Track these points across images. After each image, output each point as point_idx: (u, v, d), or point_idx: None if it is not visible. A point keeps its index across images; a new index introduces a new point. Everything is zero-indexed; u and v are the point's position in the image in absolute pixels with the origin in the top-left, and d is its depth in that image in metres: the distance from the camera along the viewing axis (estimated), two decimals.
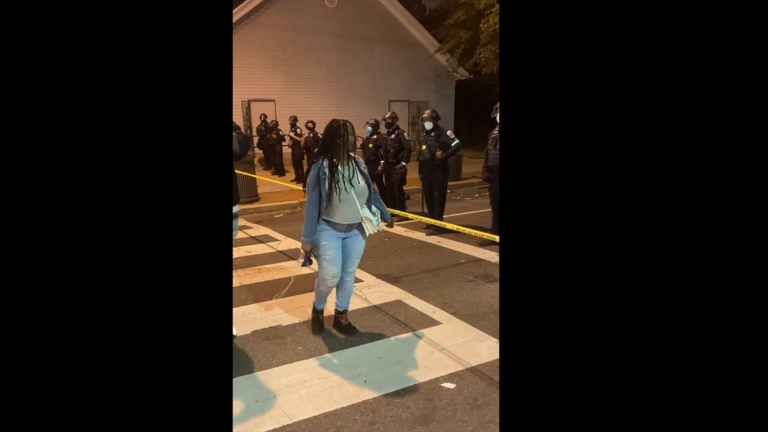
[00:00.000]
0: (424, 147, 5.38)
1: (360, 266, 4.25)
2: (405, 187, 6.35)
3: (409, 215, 4.90)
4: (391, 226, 2.89)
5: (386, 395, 2.24)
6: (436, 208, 5.39)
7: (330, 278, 2.70)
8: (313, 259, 2.69)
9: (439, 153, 5.17)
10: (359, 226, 2.69)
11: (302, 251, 2.67)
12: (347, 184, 2.54)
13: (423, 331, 2.92)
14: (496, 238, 4.50)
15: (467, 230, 3.66)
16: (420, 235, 5.32)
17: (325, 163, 2.55)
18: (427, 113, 5.44)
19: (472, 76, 13.26)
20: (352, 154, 2.63)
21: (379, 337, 2.86)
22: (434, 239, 5.14)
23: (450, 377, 2.38)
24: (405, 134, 6.08)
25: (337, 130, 2.56)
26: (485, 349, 2.67)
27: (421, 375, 2.41)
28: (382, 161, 6.26)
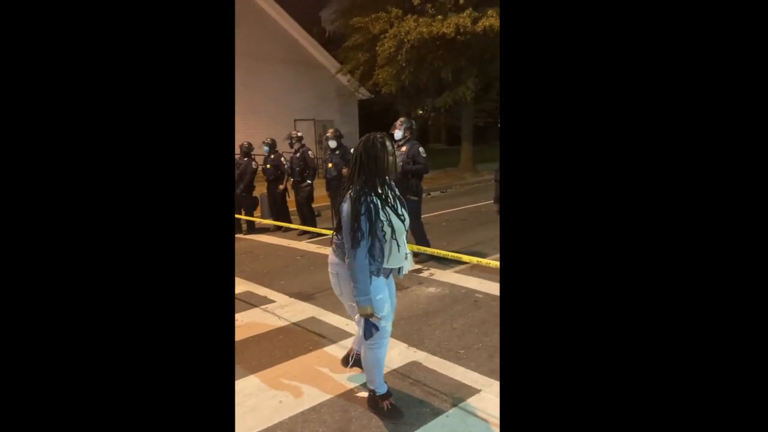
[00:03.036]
0: (330, 165, 5.48)
1: (271, 286, 4.19)
2: (315, 205, 6.38)
3: (322, 231, 4.91)
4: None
5: (302, 413, 2.23)
6: None
7: (388, 338, 2.16)
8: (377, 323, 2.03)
9: (345, 170, 5.31)
10: None
11: (360, 318, 2.01)
12: (397, 219, 1.99)
13: (339, 343, 2.95)
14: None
15: None
16: None
17: (372, 194, 1.94)
18: (330, 132, 5.57)
19: (373, 96, 13.73)
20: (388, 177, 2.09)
21: (293, 355, 2.84)
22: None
23: (365, 386, 2.44)
24: (310, 152, 6.14)
25: (377, 149, 1.95)
26: (397, 354, 2.78)
27: (336, 388, 2.43)
28: (288, 179, 6.27)
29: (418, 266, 4.57)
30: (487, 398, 2.26)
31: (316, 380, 2.53)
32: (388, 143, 1.97)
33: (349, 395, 2.37)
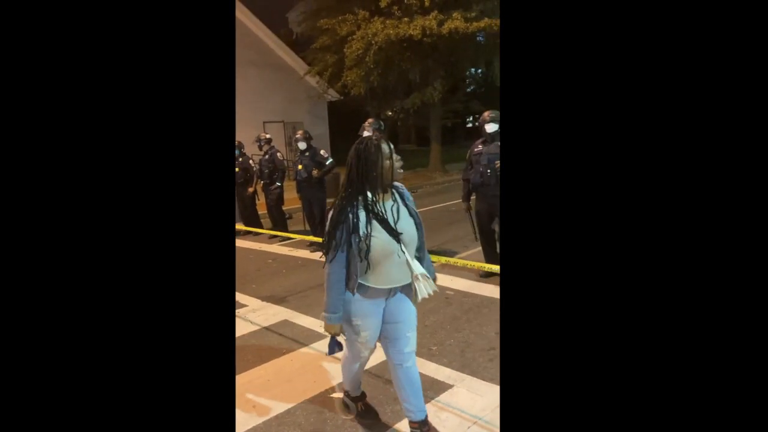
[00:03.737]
0: (300, 167, 5.46)
1: (243, 290, 4.13)
2: (285, 207, 6.33)
3: (292, 235, 4.89)
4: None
5: (276, 416, 2.22)
6: (318, 225, 5.46)
7: (364, 356, 1.94)
8: (342, 340, 1.89)
9: (315, 172, 5.30)
10: (406, 286, 1.82)
11: (327, 333, 1.82)
12: (390, 232, 1.72)
13: (313, 345, 2.95)
14: None
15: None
16: (304, 253, 5.33)
17: (359, 203, 1.73)
18: (299, 134, 5.56)
19: (342, 98, 13.72)
20: (397, 183, 1.85)
21: (266, 359, 2.81)
22: (318, 255, 5.18)
23: (339, 386, 2.44)
24: (279, 154, 6.09)
25: (369, 153, 1.72)
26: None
27: (310, 390, 2.43)
28: (257, 182, 6.20)
29: None
30: (459, 393, 2.31)
31: (290, 383, 2.52)
32: (384, 146, 1.74)
33: (323, 396, 2.37)
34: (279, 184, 6.02)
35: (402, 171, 1.95)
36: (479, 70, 16.32)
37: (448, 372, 2.52)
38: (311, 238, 4.46)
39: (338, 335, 1.81)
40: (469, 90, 19.21)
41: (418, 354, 2.71)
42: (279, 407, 2.29)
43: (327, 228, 1.77)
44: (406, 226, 1.77)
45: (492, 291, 3.69)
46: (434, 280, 1.87)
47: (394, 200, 1.80)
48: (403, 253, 1.74)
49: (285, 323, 3.37)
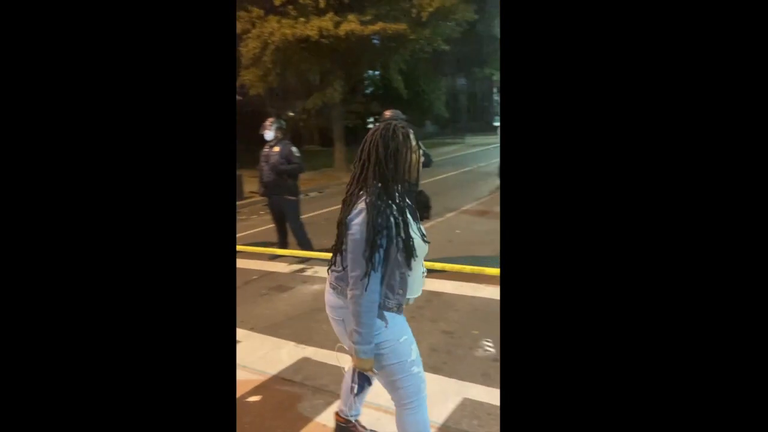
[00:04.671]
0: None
1: None
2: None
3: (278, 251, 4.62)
4: None
5: None
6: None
7: (425, 390, 1.56)
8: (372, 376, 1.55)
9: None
10: None
11: (353, 371, 1.53)
12: (421, 238, 1.48)
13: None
14: (280, 251, 4.68)
15: (253, 249, 3.70)
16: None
17: (393, 207, 1.40)
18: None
19: (241, 98, 13.18)
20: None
21: None
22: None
23: (254, 391, 2.39)
24: None
25: (397, 142, 1.41)
26: (285, 354, 2.77)
27: None
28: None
29: (301, 266, 4.57)
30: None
31: None
32: (411, 135, 1.44)
33: (239, 402, 2.29)
34: None
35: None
36: (377, 72, 16.73)
37: None
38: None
39: (369, 371, 1.47)
40: (367, 92, 19.60)
41: (333, 349, 2.76)
42: None
43: (355, 238, 1.38)
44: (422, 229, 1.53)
45: None
46: None
47: (407, 202, 1.51)
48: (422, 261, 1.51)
49: None
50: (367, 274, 1.35)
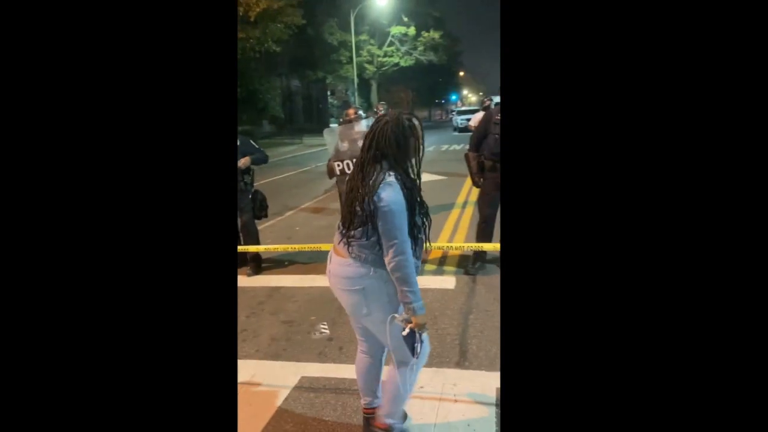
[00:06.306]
0: None
1: None
2: None
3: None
4: None
5: None
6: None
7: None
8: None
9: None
10: None
11: (413, 328, 1.56)
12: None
13: None
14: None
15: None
16: None
17: (409, 180, 1.59)
18: None
19: None
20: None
21: None
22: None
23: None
24: None
25: (405, 130, 1.56)
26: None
27: None
28: None
29: None
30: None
31: None
32: (417, 124, 1.60)
33: None
34: None
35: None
36: None
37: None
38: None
39: (424, 326, 1.59)
40: None
41: None
42: None
43: (391, 209, 1.51)
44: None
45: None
46: None
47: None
48: None
49: None
50: (410, 239, 1.54)
